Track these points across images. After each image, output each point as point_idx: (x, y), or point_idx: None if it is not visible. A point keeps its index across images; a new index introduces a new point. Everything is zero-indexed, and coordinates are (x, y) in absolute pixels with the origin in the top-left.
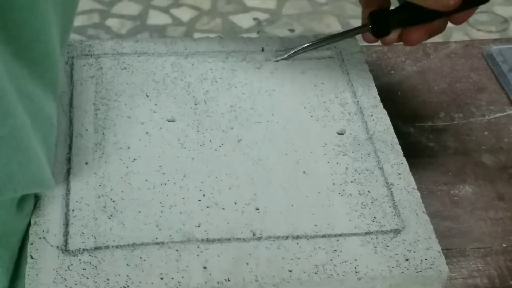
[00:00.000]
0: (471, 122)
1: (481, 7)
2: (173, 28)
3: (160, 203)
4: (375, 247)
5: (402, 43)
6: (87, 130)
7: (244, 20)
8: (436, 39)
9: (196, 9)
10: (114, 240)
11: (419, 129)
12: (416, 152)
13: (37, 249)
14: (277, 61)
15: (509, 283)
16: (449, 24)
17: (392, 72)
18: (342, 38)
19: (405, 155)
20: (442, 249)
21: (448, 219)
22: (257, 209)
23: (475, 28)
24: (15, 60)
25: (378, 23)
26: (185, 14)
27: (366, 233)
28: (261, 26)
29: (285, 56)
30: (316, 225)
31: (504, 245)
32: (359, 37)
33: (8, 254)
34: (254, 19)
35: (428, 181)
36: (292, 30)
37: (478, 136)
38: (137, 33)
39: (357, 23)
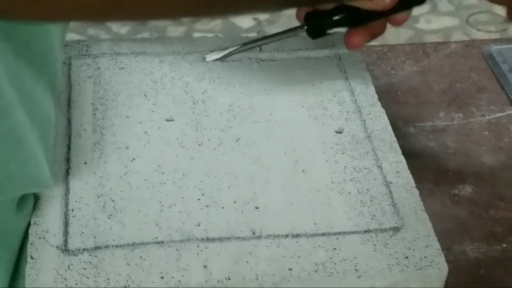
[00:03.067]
0: (471, 122)
1: (481, 7)
2: (173, 28)
3: (160, 202)
4: (375, 245)
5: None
6: (85, 130)
7: (244, 20)
8: (436, 39)
9: None
10: (114, 240)
11: (419, 129)
12: (416, 152)
13: (37, 249)
14: (210, 61)
15: (509, 283)
16: (449, 24)
17: (392, 72)
18: (277, 39)
19: (405, 155)
20: (442, 249)
21: (448, 219)
22: (257, 207)
23: (475, 28)
24: (15, 59)
25: (313, 25)
26: None
27: (365, 231)
28: (261, 26)
29: (219, 57)
30: (315, 224)
31: (504, 245)
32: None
33: (8, 254)
34: (254, 19)
35: (428, 181)
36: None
37: (478, 136)
38: (137, 33)
39: None
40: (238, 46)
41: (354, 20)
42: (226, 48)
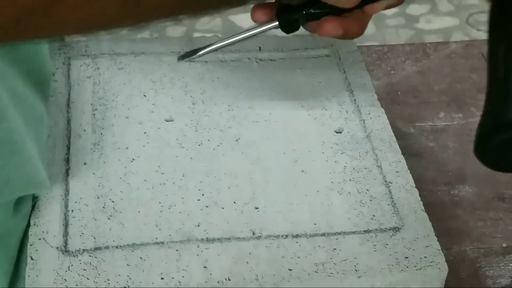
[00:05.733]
0: (471, 122)
1: (481, 7)
2: (173, 28)
3: (160, 203)
4: (375, 245)
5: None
6: (85, 130)
7: (244, 20)
8: (436, 39)
9: None
10: (114, 240)
11: (419, 129)
12: (416, 152)
13: (37, 250)
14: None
15: (509, 283)
16: (449, 24)
17: (392, 72)
18: (249, 36)
19: (405, 155)
20: (442, 249)
21: (448, 219)
22: (256, 208)
23: (475, 28)
24: (4, 60)
25: (285, 20)
26: None
27: (365, 231)
28: (261, 26)
29: (190, 58)
30: (315, 224)
31: (504, 245)
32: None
33: (6, 256)
34: None
35: (428, 181)
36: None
37: None
38: (137, 33)
39: None
40: (211, 47)
41: (327, 12)
42: (198, 49)
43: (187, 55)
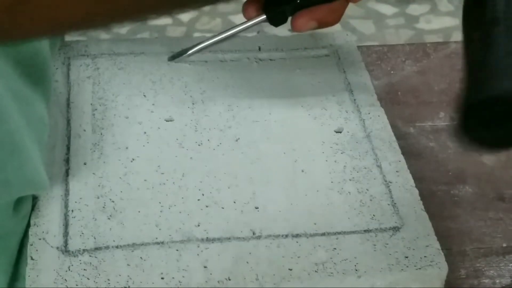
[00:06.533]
0: None
1: None
2: (173, 28)
3: (160, 202)
4: (375, 245)
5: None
6: (85, 130)
7: (244, 20)
8: (436, 39)
9: None
10: (114, 240)
11: (419, 129)
12: (416, 152)
13: (37, 250)
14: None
15: (509, 283)
16: (449, 24)
17: (392, 72)
18: (238, 32)
19: (405, 155)
20: (442, 249)
21: (448, 219)
22: (256, 208)
23: None
24: (5, 61)
25: (273, 13)
26: (185, 14)
27: (365, 231)
28: (261, 26)
29: (182, 56)
30: (315, 224)
31: (504, 245)
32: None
33: (6, 256)
34: None
35: (428, 181)
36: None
37: None
38: (137, 33)
39: (357, 22)
40: (201, 45)
41: (313, 2)
42: (188, 48)
43: (178, 55)
